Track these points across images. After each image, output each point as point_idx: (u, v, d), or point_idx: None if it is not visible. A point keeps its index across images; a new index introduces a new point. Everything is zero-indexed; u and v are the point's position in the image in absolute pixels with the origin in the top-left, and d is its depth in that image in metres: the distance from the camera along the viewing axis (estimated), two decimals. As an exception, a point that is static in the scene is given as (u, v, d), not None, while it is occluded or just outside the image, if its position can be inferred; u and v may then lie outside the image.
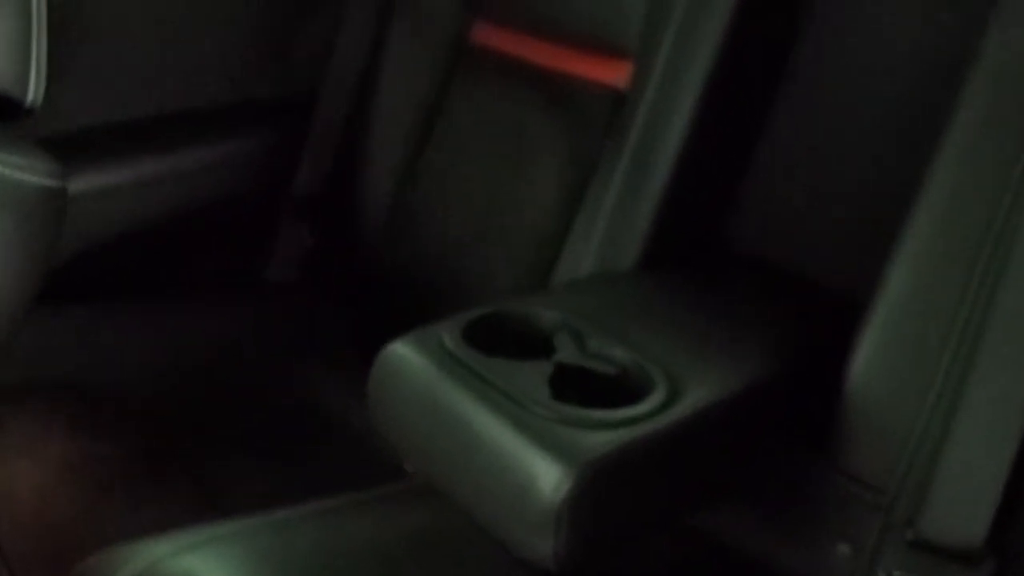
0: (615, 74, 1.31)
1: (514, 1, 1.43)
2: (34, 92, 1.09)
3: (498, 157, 1.40)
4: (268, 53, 1.60)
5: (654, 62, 1.24)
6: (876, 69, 1.23)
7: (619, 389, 0.96)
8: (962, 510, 0.99)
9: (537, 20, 1.40)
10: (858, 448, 1.04)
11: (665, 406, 0.93)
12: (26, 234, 1.02)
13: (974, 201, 1.01)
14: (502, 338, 1.01)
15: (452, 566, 1.05)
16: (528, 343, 1.01)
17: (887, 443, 1.02)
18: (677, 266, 1.23)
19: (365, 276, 1.52)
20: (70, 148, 1.24)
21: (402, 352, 0.97)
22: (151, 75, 1.48)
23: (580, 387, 0.95)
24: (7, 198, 1.00)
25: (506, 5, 1.44)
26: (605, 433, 0.89)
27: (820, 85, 1.26)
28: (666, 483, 0.97)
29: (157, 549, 0.99)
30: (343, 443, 1.36)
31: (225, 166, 1.57)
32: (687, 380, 0.97)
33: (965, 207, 1.01)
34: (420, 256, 1.46)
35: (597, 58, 1.33)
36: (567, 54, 1.37)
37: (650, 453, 0.92)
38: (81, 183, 1.35)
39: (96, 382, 1.36)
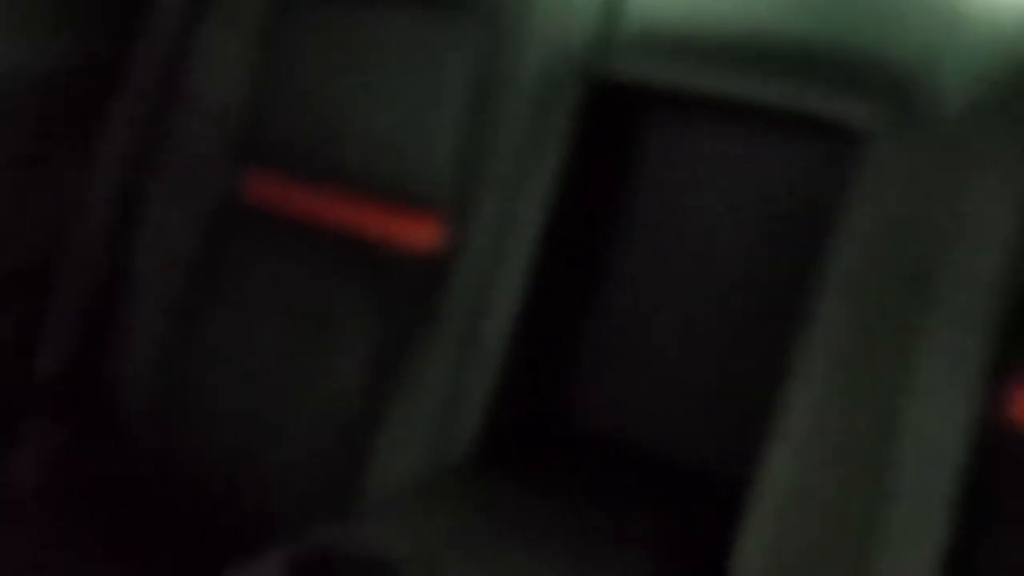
0: (421, 234, 1.15)
1: (296, 148, 1.25)
2: None
3: (289, 334, 1.21)
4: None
5: (472, 220, 1.09)
6: (724, 224, 1.12)
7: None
8: None
9: (326, 171, 1.22)
10: None
11: None
12: None
13: (853, 376, 0.91)
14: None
15: None
16: None
17: None
18: (520, 453, 1.07)
19: (123, 478, 1.28)
20: None
21: None
22: None
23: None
24: None
25: (287, 153, 1.26)
26: None
27: (657, 240, 1.14)
28: None
29: None
30: None
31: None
32: None
33: (844, 383, 0.91)
34: (193, 456, 1.24)
35: (401, 215, 1.17)
36: (365, 211, 1.19)
37: None
38: None
39: None
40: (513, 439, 1.09)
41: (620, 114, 1.12)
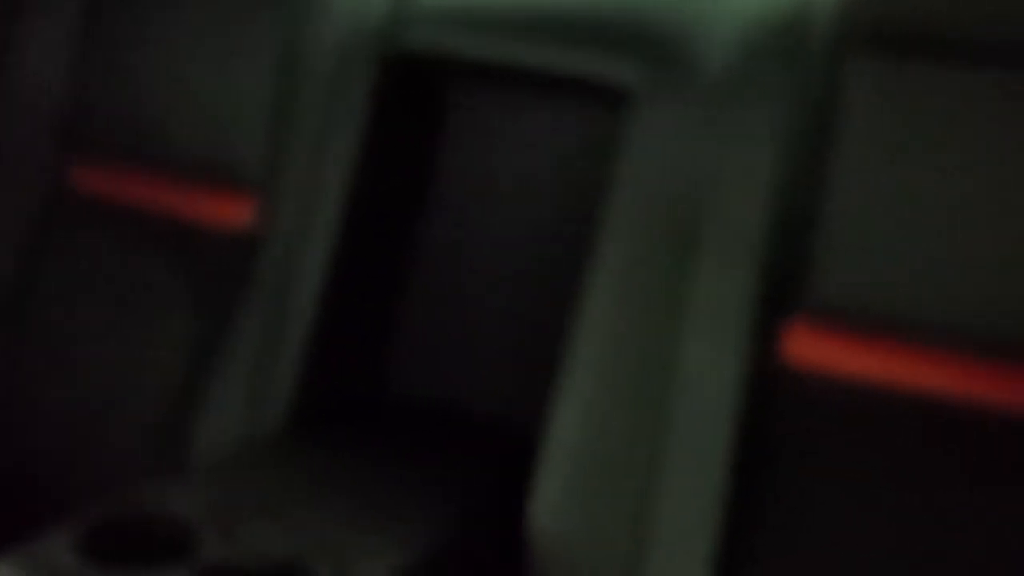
0: (238, 213, 1.18)
1: (117, 133, 1.27)
2: None
3: (113, 321, 1.23)
4: None
5: (281, 197, 1.12)
6: (521, 193, 1.17)
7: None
8: None
9: (142, 155, 1.25)
10: None
11: None
12: None
13: (631, 328, 0.96)
14: (134, 539, 0.85)
15: None
16: (167, 541, 0.86)
17: None
18: (334, 421, 1.11)
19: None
20: None
21: None
22: None
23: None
24: None
25: (105, 140, 1.28)
26: None
27: (462, 208, 1.18)
28: None
29: None
30: None
31: None
32: (356, 563, 0.85)
33: (623, 335, 0.96)
34: (24, 433, 1.26)
35: (215, 195, 1.20)
36: (180, 193, 1.22)
37: None
38: None
39: None
40: (328, 408, 1.12)
41: (417, 86, 1.16)
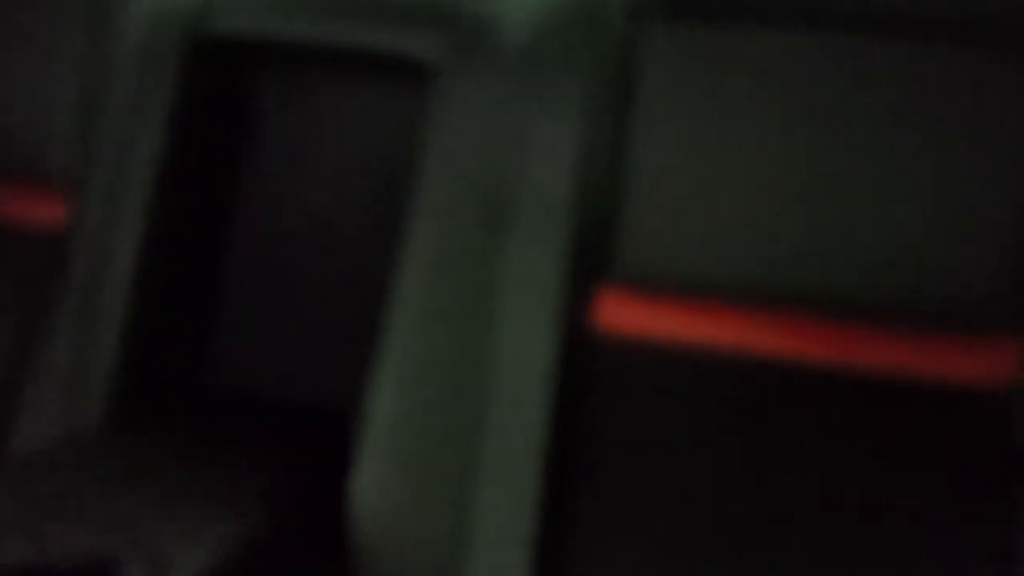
0: (53, 213, 1.15)
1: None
2: None
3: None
4: None
5: (91, 194, 1.09)
6: (337, 173, 1.16)
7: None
8: None
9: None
10: (386, 571, 0.95)
11: None
12: None
13: (445, 304, 0.96)
14: None
15: None
16: None
17: (410, 564, 0.95)
18: (153, 415, 1.09)
19: None
20: None
21: None
22: None
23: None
24: None
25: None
26: None
27: (280, 192, 1.17)
28: None
29: None
30: None
31: None
32: (171, 557, 0.83)
33: (438, 311, 0.96)
34: None
35: (30, 196, 1.17)
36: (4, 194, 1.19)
37: None
38: None
39: None
40: (146, 402, 1.10)
41: (226, 70, 1.14)
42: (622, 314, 0.98)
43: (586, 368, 0.97)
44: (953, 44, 0.93)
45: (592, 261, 0.98)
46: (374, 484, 0.96)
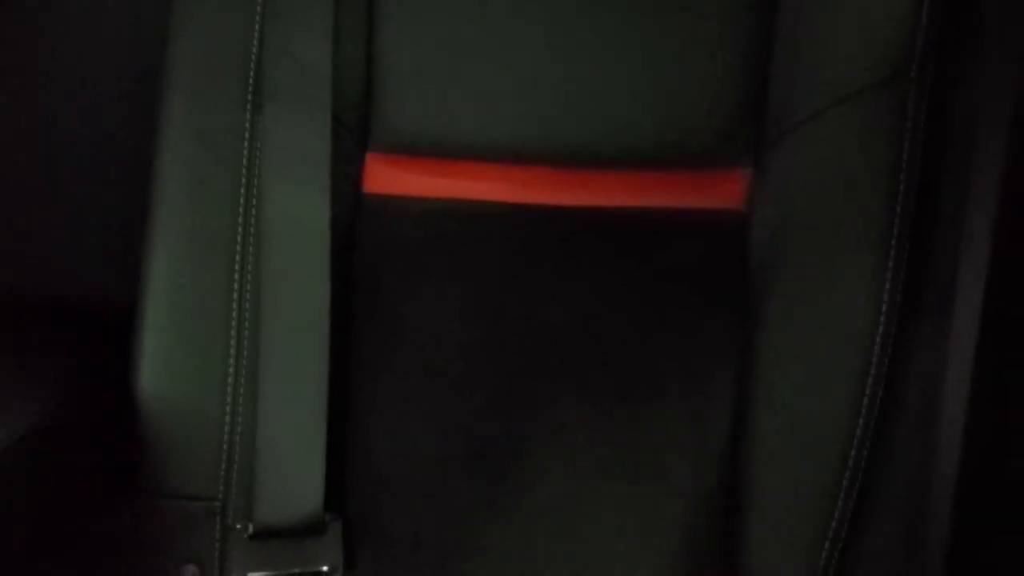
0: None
1: None
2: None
3: None
4: None
5: None
6: (92, 58, 1.13)
7: None
8: (292, 486, 0.97)
9: None
10: (173, 463, 0.99)
11: None
12: None
13: (212, 176, 0.97)
14: None
15: None
16: None
17: (200, 447, 0.98)
18: None
19: None
20: None
21: None
22: None
23: None
24: None
25: None
26: None
27: (40, 84, 1.14)
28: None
29: None
30: None
31: None
32: None
33: (203, 186, 0.97)
34: None
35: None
36: None
37: None
38: None
39: None
40: None
41: None
42: (387, 178, 1.01)
43: (358, 230, 0.99)
44: None
45: (356, 129, 1.00)
46: (157, 367, 0.97)
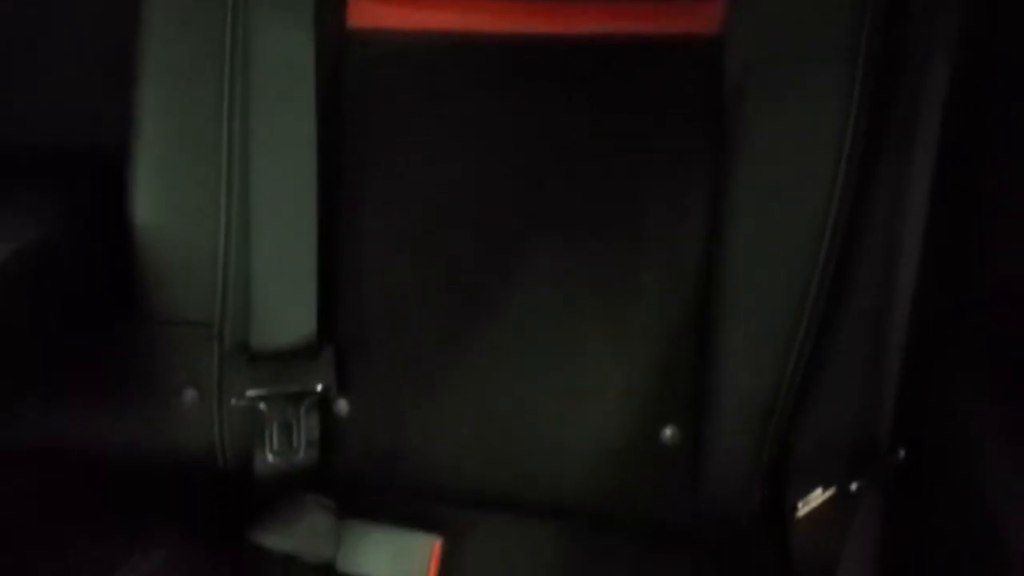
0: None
1: None
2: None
3: None
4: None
5: None
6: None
7: None
8: (287, 311, 1.00)
9: None
10: (170, 291, 1.02)
11: None
12: None
13: (196, 13, 1.00)
14: None
15: None
16: None
17: (196, 275, 1.02)
18: None
19: None
20: None
21: None
22: None
23: None
24: None
25: None
26: None
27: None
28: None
29: None
30: None
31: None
32: None
33: (189, 22, 1.00)
34: None
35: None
36: None
37: None
38: None
39: None
40: None
41: None
42: (371, 12, 1.02)
43: (344, 63, 1.01)
44: None
45: None
46: (150, 198, 1.00)
